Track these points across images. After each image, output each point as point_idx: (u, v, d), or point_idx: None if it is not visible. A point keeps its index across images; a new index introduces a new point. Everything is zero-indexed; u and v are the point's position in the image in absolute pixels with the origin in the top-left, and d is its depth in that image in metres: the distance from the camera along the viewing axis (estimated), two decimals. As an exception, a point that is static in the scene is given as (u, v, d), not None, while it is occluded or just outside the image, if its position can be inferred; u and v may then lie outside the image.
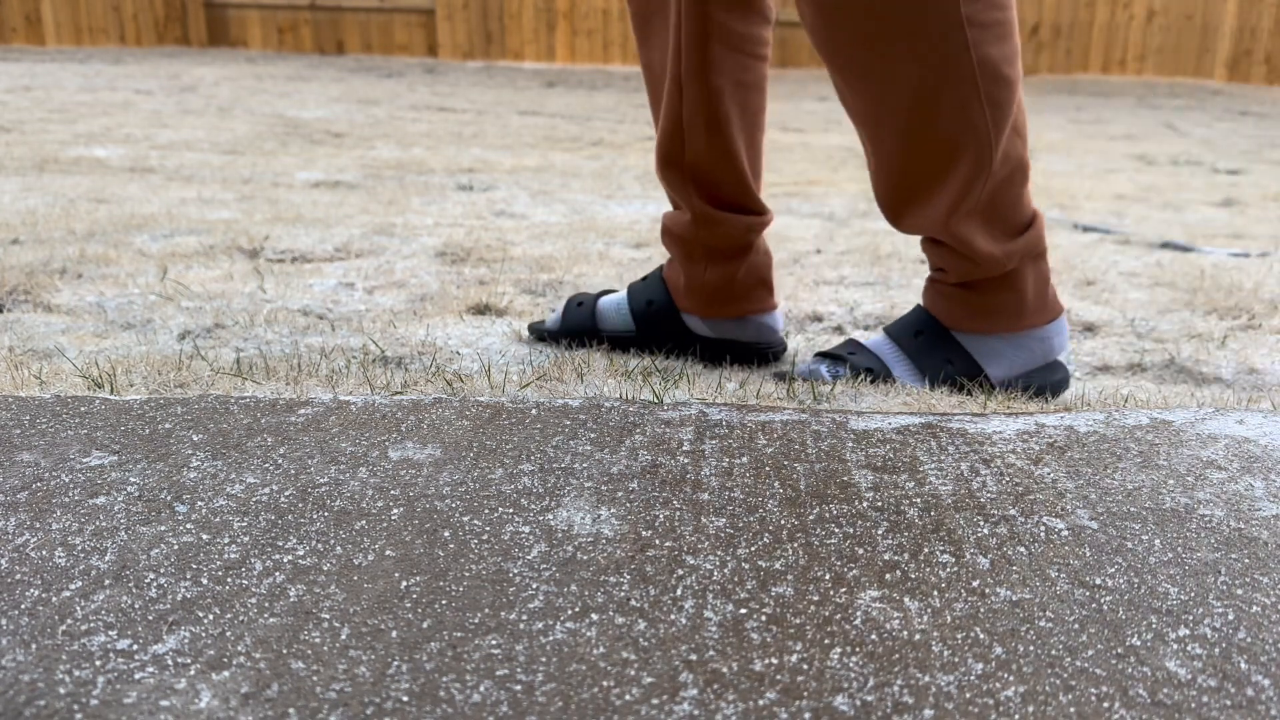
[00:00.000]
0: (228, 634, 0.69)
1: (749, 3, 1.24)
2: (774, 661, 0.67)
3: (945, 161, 1.12)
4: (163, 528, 0.83)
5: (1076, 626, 0.72)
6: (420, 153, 3.62)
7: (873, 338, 1.31)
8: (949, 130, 1.10)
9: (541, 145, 3.94)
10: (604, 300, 1.43)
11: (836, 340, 1.54)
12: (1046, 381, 1.26)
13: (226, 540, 0.81)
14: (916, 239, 2.31)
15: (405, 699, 0.63)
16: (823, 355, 1.30)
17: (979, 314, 1.22)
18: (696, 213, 1.31)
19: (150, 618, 0.70)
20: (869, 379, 1.24)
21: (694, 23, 1.23)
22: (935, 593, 0.76)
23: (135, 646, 0.67)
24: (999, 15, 1.08)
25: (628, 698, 0.63)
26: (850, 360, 1.27)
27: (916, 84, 1.09)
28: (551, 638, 0.69)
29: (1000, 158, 1.12)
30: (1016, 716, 0.62)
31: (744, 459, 0.99)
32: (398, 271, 1.86)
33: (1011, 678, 0.66)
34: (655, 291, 1.39)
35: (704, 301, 1.35)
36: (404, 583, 0.75)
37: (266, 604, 0.72)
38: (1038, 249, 1.20)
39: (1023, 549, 0.82)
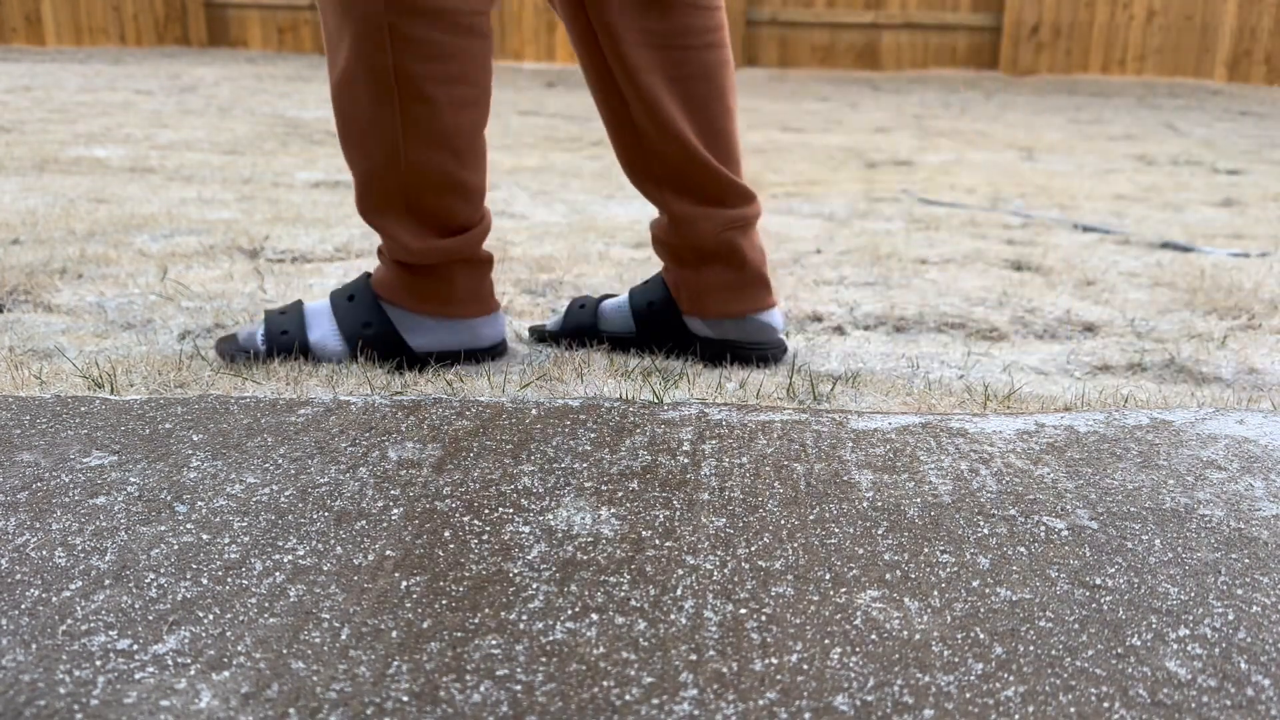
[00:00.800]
0: (228, 634, 0.69)
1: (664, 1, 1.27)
2: (774, 661, 0.67)
3: (361, 151, 1.21)
4: (163, 528, 0.83)
5: (1076, 626, 0.72)
6: (420, 153, 3.62)
7: (321, 300, 1.37)
8: (364, 123, 1.19)
9: (541, 145, 3.94)
10: (606, 303, 1.44)
11: (837, 340, 1.55)
12: (471, 354, 1.34)
13: (226, 540, 0.81)
14: (918, 241, 2.32)
15: (405, 699, 0.63)
16: (268, 311, 1.36)
17: (406, 292, 1.29)
18: (674, 214, 1.32)
19: (150, 618, 0.70)
20: (283, 339, 1.30)
21: (605, 31, 1.26)
22: (935, 593, 0.76)
23: (135, 646, 0.67)
24: (435, 36, 1.15)
25: (628, 698, 0.63)
26: (271, 320, 1.32)
27: (343, 70, 1.18)
28: (551, 638, 0.69)
29: (414, 165, 1.20)
30: (1016, 716, 0.62)
31: (744, 459, 0.99)
32: (398, 271, 1.86)
33: (1011, 678, 0.66)
34: (656, 293, 1.39)
35: (704, 302, 1.36)
36: (404, 583, 0.76)
37: (266, 604, 0.72)
38: (468, 254, 1.27)
39: (1023, 549, 0.82)
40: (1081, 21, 8.30)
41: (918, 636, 0.70)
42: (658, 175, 1.31)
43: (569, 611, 0.72)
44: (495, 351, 1.35)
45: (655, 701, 0.63)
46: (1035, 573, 0.79)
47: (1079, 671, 0.67)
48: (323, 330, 1.31)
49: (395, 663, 0.66)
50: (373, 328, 1.29)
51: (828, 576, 0.77)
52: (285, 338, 1.30)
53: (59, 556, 0.78)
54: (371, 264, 1.92)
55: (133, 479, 0.91)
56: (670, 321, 1.38)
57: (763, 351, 1.38)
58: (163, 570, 0.76)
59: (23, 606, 0.71)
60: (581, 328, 1.43)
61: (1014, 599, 0.75)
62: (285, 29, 9.01)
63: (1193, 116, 5.84)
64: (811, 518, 0.87)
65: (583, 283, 1.82)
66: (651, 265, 1.98)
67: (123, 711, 0.61)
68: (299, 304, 1.34)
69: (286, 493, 0.89)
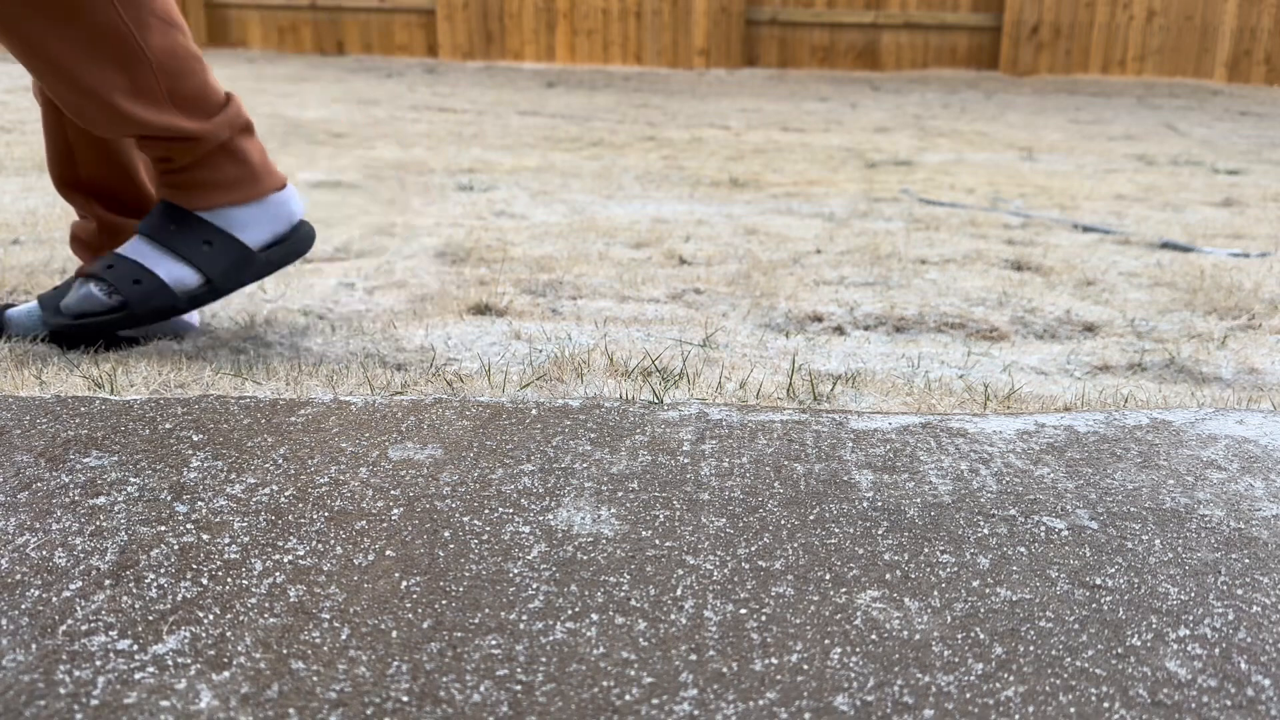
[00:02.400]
0: (228, 634, 0.69)
1: None
2: (774, 661, 0.67)
3: (105, 62, 1.20)
4: (163, 528, 0.83)
5: (1076, 626, 0.72)
6: (420, 153, 3.62)
7: (128, 243, 1.36)
8: (97, 32, 1.18)
9: (541, 145, 3.93)
10: (12, 310, 1.45)
11: (837, 341, 1.54)
12: (299, 242, 1.38)
13: (226, 540, 0.81)
14: (918, 241, 2.32)
15: (405, 699, 0.63)
16: (86, 276, 1.33)
17: (219, 188, 1.30)
18: (102, 221, 1.37)
19: (150, 618, 0.70)
20: (139, 288, 1.29)
21: None
22: (935, 593, 0.76)
23: (135, 646, 0.67)
24: None
25: (628, 698, 0.63)
26: (111, 276, 1.31)
27: None
28: (551, 638, 0.69)
29: (158, 49, 1.22)
30: (1016, 716, 0.62)
31: (744, 459, 0.99)
32: (398, 272, 1.86)
33: (1011, 678, 0.66)
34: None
35: None
36: (404, 583, 0.76)
37: (266, 604, 0.72)
38: (241, 123, 1.31)
39: (1023, 549, 0.82)
40: (1081, 21, 8.30)
41: (918, 636, 0.70)
42: (87, 187, 1.36)
43: (569, 611, 0.72)
44: (305, 239, 1.38)
45: (655, 701, 0.63)
46: (1035, 573, 0.79)
47: (1079, 671, 0.67)
48: (167, 266, 1.30)
49: (395, 663, 0.66)
50: (214, 244, 1.29)
51: (828, 576, 0.77)
52: (139, 287, 1.29)
53: (59, 556, 0.78)
54: (373, 264, 1.92)
55: (133, 479, 0.91)
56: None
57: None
58: (163, 570, 0.76)
59: (23, 606, 0.71)
60: None
61: (1014, 599, 0.75)
62: (285, 29, 9.01)
63: (1193, 116, 5.84)
64: (811, 518, 0.87)
65: (583, 283, 1.82)
66: (651, 265, 1.98)
67: (122, 712, 0.61)
68: (115, 254, 1.33)
69: (286, 493, 0.89)
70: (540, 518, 0.86)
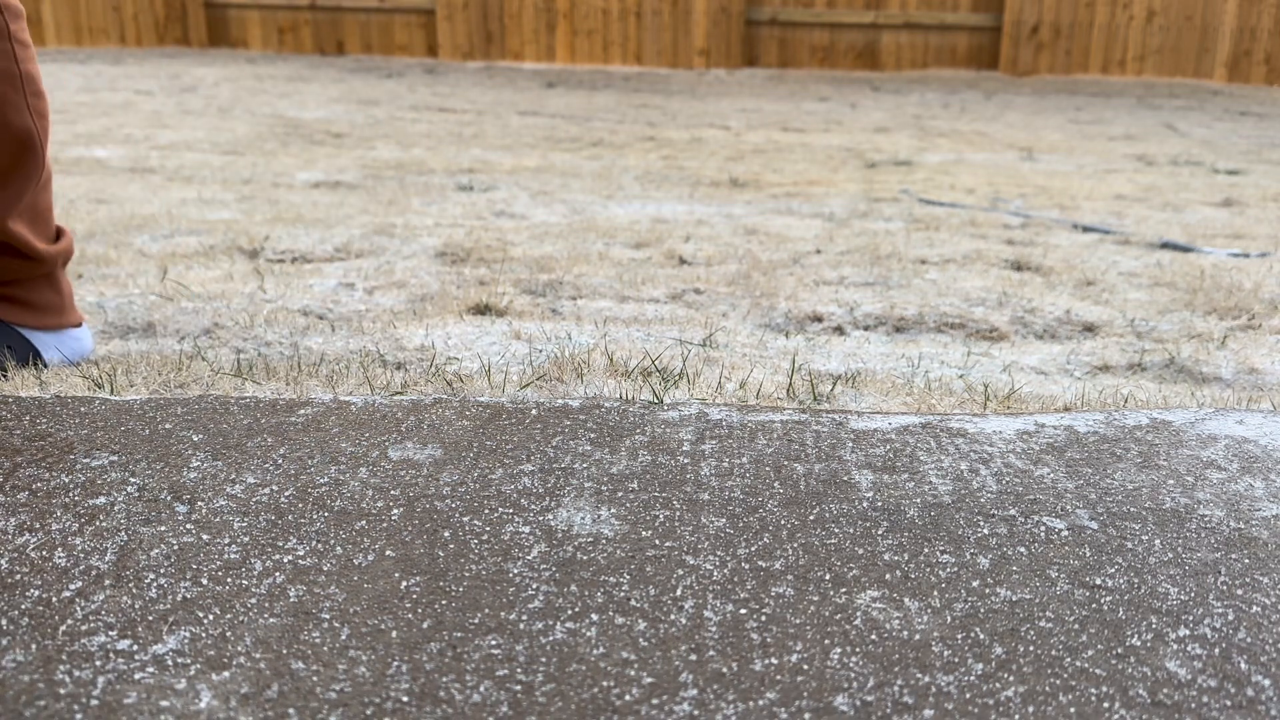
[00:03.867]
0: (228, 634, 0.69)
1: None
2: (774, 661, 0.67)
3: (9, 162, 1.21)
4: (163, 528, 0.83)
5: (1076, 626, 0.72)
6: (420, 153, 3.62)
7: None
8: (10, 134, 1.20)
9: (541, 145, 3.93)
10: None
11: (837, 341, 1.54)
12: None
13: (226, 540, 0.81)
14: (918, 241, 2.32)
15: (405, 699, 0.63)
16: None
17: (31, 310, 1.31)
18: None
19: (150, 618, 0.70)
20: None
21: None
22: (935, 593, 0.76)
23: (135, 646, 0.67)
24: (29, 38, 1.22)
25: (628, 698, 0.63)
26: None
27: None
28: (551, 638, 0.69)
29: (47, 165, 1.26)
30: (1016, 716, 0.62)
31: (744, 459, 0.99)
32: (398, 272, 1.86)
33: (1011, 678, 0.66)
34: None
35: None
36: (404, 583, 0.76)
37: (266, 604, 0.72)
38: (69, 255, 1.34)
39: (1023, 549, 0.82)
40: (1081, 21, 8.30)
41: (918, 636, 0.70)
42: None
43: (569, 611, 0.72)
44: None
45: (655, 701, 0.63)
46: (1035, 573, 0.79)
47: (1079, 671, 0.67)
48: None
49: (395, 663, 0.66)
50: (15, 350, 1.30)
51: (828, 576, 0.77)
52: None
53: (59, 556, 0.78)
54: (373, 264, 1.92)
55: (133, 479, 0.91)
56: None
57: None
58: (163, 570, 0.76)
59: (23, 607, 0.71)
60: None
61: (1014, 599, 0.75)
62: (285, 29, 9.01)
63: (1193, 116, 5.84)
64: (811, 518, 0.87)
65: (583, 283, 1.82)
66: (651, 265, 1.98)
67: (122, 711, 0.61)
68: None
69: (286, 493, 0.89)
70: (540, 518, 0.86)
